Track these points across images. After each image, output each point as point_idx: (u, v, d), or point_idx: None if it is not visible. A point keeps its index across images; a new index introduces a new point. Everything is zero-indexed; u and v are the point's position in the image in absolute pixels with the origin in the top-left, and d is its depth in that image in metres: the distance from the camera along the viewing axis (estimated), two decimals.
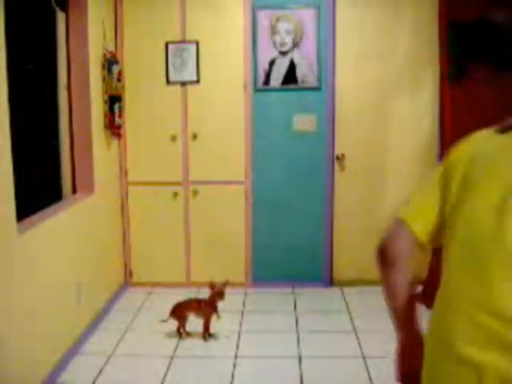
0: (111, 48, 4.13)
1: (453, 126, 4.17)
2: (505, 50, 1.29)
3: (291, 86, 4.34)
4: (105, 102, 3.97)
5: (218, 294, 3.57)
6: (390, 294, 1.39)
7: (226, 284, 3.61)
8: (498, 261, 1.12)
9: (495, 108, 1.31)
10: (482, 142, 1.28)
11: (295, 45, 4.28)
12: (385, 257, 1.38)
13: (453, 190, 1.26)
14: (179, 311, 3.61)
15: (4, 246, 2.54)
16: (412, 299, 1.37)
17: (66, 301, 3.34)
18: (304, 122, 4.38)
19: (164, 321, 3.61)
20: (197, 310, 3.61)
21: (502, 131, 1.22)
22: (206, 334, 3.61)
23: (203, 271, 4.44)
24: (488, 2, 1.30)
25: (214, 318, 3.61)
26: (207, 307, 3.58)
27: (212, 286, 3.60)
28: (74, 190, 3.82)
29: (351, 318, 3.92)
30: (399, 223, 1.36)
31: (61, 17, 3.64)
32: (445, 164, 1.33)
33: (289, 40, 4.28)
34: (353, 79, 4.35)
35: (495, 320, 1.10)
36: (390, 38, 4.30)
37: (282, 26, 4.27)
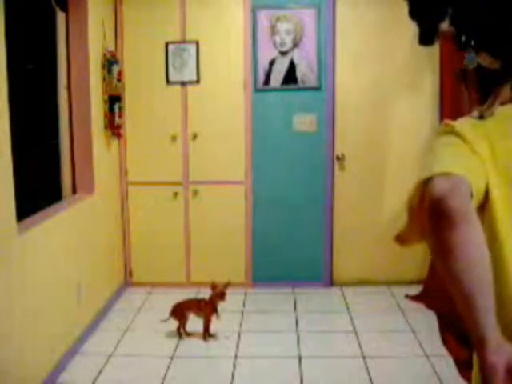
0: (111, 48, 4.13)
1: None
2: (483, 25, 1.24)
3: (291, 86, 4.33)
4: (105, 101, 3.97)
5: (218, 294, 3.56)
6: (464, 261, 0.99)
7: (227, 285, 3.59)
8: None
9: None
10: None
11: (295, 45, 4.28)
12: (448, 213, 1.01)
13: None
14: (179, 311, 3.61)
15: (4, 245, 2.54)
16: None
17: (66, 301, 3.33)
18: (304, 122, 4.37)
19: (164, 321, 3.61)
20: (197, 310, 3.61)
21: (480, 117, 1.23)
22: (206, 334, 3.60)
23: (203, 271, 4.44)
24: None
25: (213, 317, 3.61)
26: (207, 307, 3.58)
27: (213, 286, 3.59)
28: (74, 190, 3.82)
29: (351, 318, 3.92)
30: (452, 178, 1.06)
31: (61, 17, 3.65)
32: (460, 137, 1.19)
33: (289, 40, 4.28)
34: (353, 79, 4.35)
35: None
36: (389, 38, 4.30)
37: (282, 26, 4.26)
